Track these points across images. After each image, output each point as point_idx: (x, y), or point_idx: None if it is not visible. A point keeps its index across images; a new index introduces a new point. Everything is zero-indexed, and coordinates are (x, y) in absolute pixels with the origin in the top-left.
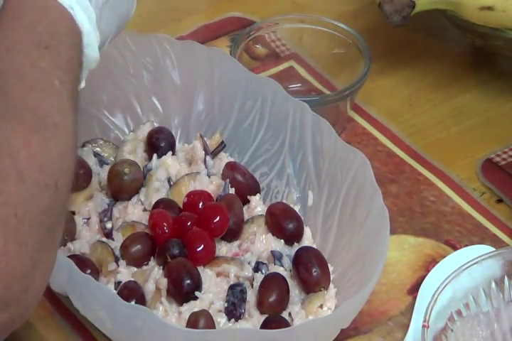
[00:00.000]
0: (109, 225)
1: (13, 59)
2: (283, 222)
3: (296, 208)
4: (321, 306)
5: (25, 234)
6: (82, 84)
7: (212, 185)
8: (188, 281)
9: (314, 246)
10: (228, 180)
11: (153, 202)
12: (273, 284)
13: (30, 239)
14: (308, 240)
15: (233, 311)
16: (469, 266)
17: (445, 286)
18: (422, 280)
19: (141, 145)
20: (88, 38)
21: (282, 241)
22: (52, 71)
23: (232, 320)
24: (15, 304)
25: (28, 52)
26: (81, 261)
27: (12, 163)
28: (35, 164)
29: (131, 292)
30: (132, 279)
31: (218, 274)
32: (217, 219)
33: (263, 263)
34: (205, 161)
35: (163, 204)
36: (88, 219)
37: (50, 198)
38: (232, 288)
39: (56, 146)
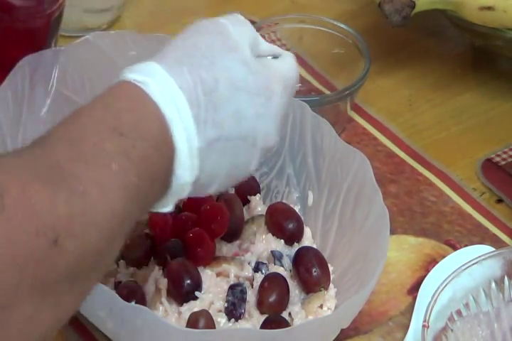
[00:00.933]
0: None
1: (80, 132)
2: (283, 222)
3: (296, 208)
4: (321, 306)
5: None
6: (168, 208)
7: None
8: (188, 281)
9: (314, 246)
10: None
11: None
12: (273, 284)
13: (2, 276)
14: (308, 240)
15: (233, 311)
16: (469, 266)
17: (445, 286)
18: (422, 280)
19: None
20: (181, 159)
21: (282, 241)
22: (115, 155)
23: (232, 320)
24: None
25: (98, 130)
26: None
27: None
28: (27, 207)
29: (131, 292)
30: (132, 279)
31: (218, 274)
32: (217, 219)
33: (263, 263)
34: None
35: None
36: None
37: (43, 249)
38: (232, 288)
39: (68, 207)
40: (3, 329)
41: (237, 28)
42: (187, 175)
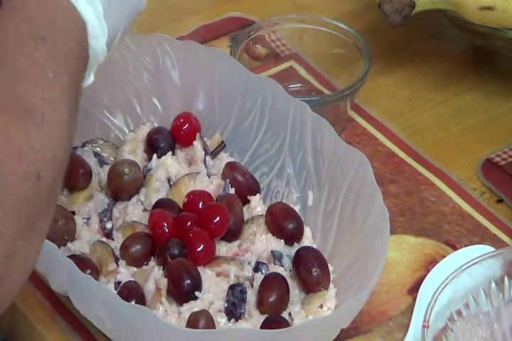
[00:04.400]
0: (109, 225)
1: (7, 49)
2: (283, 222)
3: (296, 208)
4: (321, 306)
5: None
6: (91, 78)
7: (212, 185)
8: (188, 281)
9: (314, 246)
10: (228, 180)
11: (153, 202)
12: (273, 284)
13: (5, 228)
14: (308, 240)
15: (233, 311)
16: (469, 266)
17: (445, 286)
18: (422, 280)
19: (141, 146)
20: (93, 30)
21: (282, 241)
22: (47, 62)
23: (232, 320)
24: None
25: (23, 42)
26: (81, 261)
27: None
28: (12, 152)
29: (131, 292)
30: (132, 279)
31: (218, 274)
32: (217, 219)
33: (263, 263)
34: (205, 161)
35: (163, 204)
36: (88, 219)
37: (30, 188)
38: (232, 288)
39: (40, 137)
40: (6, 275)
41: None
42: (101, 41)
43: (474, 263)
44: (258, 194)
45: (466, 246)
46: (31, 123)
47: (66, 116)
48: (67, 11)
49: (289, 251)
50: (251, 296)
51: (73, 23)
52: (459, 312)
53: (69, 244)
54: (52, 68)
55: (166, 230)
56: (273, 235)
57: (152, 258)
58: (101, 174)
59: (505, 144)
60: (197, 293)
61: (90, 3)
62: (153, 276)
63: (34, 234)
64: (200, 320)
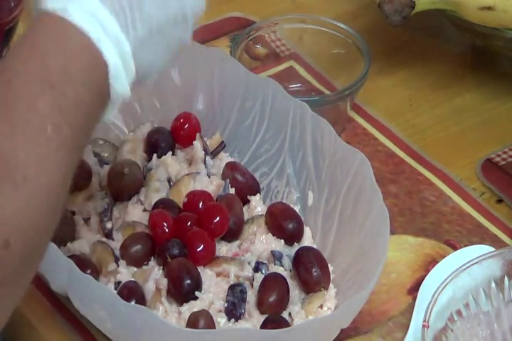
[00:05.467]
0: (109, 225)
1: (9, 95)
2: (283, 222)
3: (296, 208)
4: (321, 306)
5: None
6: (111, 117)
7: (212, 185)
8: (188, 281)
9: (314, 246)
10: (228, 180)
11: (153, 202)
12: (273, 284)
13: None
14: (308, 240)
15: (233, 311)
16: (469, 266)
17: (445, 286)
18: (422, 280)
19: (141, 146)
20: (116, 71)
21: (282, 241)
22: (48, 114)
23: (232, 320)
24: None
25: (29, 89)
26: (81, 261)
27: None
28: None
29: (131, 292)
30: (132, 279)
31: (218, 274)
32: (217, 219)
33: (263, 263)
34: (205, 161)
35: (163, 204)
36: (88, 219)
37: None
38: (232, 288)
39: (15, 202)
40: None
41: None
42: (124, 82)
43: (474, 263)
44: (258, 194)
45: (466, 246)
46: (8, 187)
47: (56, 177)
48: (87, 51)
49: (289, 251)
50: (251, 296)
51: (92, 65)
52: (459, 312)
53: (69, 244)
54: (53, 120)
55: (166, 230)
56: (273, 235)
57: (152, 258)
58: (101, 174)
59: (505, 144)
60: (197, 293)
61: (115, 42)
62: (153, 276)
63: (4, 297)
64: (200, 320)
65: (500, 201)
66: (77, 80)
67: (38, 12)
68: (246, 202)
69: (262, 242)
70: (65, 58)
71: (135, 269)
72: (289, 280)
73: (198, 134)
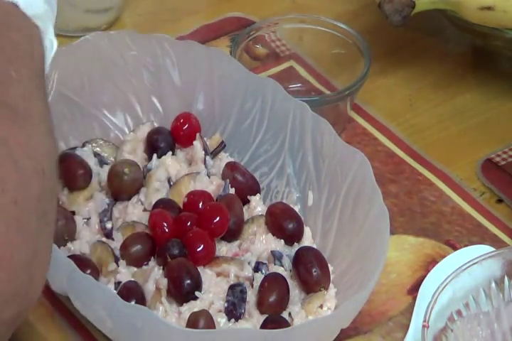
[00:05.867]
0: (109, 225)
1: None
2: (283, 222)
3: (296, 208)
4: (321, 306)
5: (25, 222)
6: (48, 62)
7: (212, 185)
8: (188, 281)
9: (314, 246)
10: (228, 180)
11: (153, 202)
12: (273, 284)
13: (30, 227)
14: (308, 240)
15: (233, 311)
16: (469, 266)
17: (445, 286)
18: (422, 280)
19: (141, 146)
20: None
21: (282, 241)
22: (5, 64)
23: (232, 320)
24: (22, 295)
25: None
26: (81, 261)
27: (5, 151)
28: (24, 152)
29: (131, 292)
30: (132, 279)
31: (218, 274)
32: (217, 219)
33: (263, 263)
34: (205, 161)
35: (163, 204)
36: (88, 219)
37: (41, 184)
38: (232, 288)
39: (35, 134)
40: (33, 275)
41: None
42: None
43: (474, 263)
44: (258, 194)
45: (466, 246)
46: (23, 122)
47: (44, 107)
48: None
49: (289, 251)
50: (251, 296)
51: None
52: (459, 312)
53: (69, 244)
54: (12, 68)
55: (166, 230)
56: (273, 235)
57: (152, 258)
58: (101, 174)
59: (505, 144)
60: (197, 293)
61: None
62: (153, 276)
63: (48, 231)
64: (200, 320)
65: (500, 201)
66: (11, 26)
67: None
68: (246, 202)
69: (262, 242)
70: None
71: (135, 269)
72: (289, 280)
73: (198, 134)
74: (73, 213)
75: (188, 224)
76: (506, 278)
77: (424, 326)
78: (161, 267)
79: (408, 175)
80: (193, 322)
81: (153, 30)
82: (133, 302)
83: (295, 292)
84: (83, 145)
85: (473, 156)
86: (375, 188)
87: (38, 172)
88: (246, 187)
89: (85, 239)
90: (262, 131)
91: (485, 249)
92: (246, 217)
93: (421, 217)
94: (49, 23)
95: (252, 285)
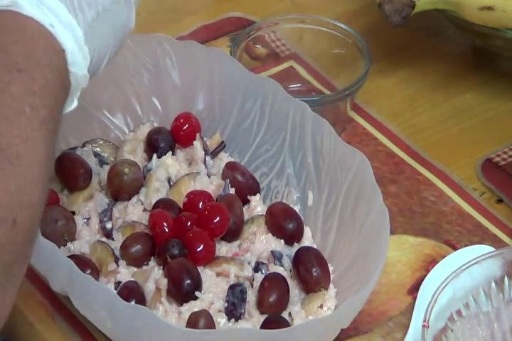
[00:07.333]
0: (109, 225)
1: None
2: (283, 222)
3: (296, 208)
4: (321, 306)
5: None
6: (75, 103)
7: (212, 185)
8: (188, 281)
9: (314, 246)
10: (228, 180)
11: (153, 202)
12: (273, 284)
13: None
14: (308, 240)
15: (233, 311)
16: (469, 266)
17: (445, 286)
18: (422, 280)
19: (141, 145)
20: (73, 57)
21: (282, 241)
22: (23, 96)
23: (232, 320)
24: None
25: None
26: (81, 261)
27: None
28: None
29: (131, 292)
30: (132, 279)
31: (218, 274)
32: (217, 219)
33: (263, 263)
34: (205, 161)
35: (163, 204)
36: (88, 219)
37: (6, 234)
38: (232, 288)
39: (15, 179)
40: None
41: None
42: (82, 67)
43: (474, 263)
44: (258, 194)
45: (466, 246)
46: (6, 164)
47: (44, 154)
48: (43, 39)
49: (289, 251)
50: (251, 296)
51: (51, 51)
52: (459, 312)
53: (69, 244)
54: (29, 102)
55: (166, 230)
56: (273, 235)
57: (152, 258)
58: (101, 174)
59: (505, 144)
60: (197, 293)
61: (69, 28)
62: (153, 276)
63: (9, 282)
64: (200, 320)
65: (500, 201)
66: (41, 63)
67: None
68: (246, 202)
69: (262, 242)
70: (25, 45)
71: (135, 269)
72: (289, 280)
73: (198, 134)
74: (73, 213)
75: (188, 224)
76: (506, 278)
77: (424, 326)
78: (161, 267)
79: (408, 175)
80: (193, 322)
81: (153, 30)
82: (133, 302)
83: (295, 292)
84: (83, 146)
85: (473, 156)
86: (375, 188)
87: (3, 221)
88: (246, 187)
89: (85, 239)
90: (262, 131)
91: (485, 248)
92: (246, 217)
93: (421, 217)
94: (80, 84)
95: (252, 285)
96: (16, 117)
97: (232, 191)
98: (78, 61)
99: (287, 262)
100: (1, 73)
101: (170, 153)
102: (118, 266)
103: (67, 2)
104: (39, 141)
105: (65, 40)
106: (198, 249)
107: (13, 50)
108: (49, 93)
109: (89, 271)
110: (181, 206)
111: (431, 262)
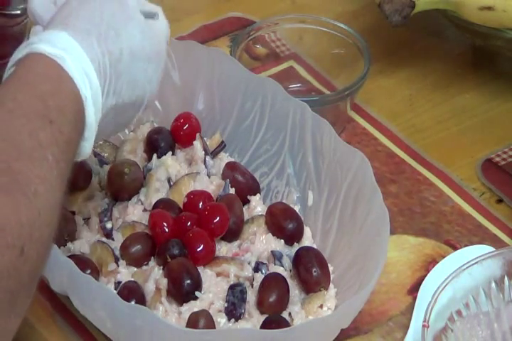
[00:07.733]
0: (109, 225)
1: (12, 122)
2: (283, 222)
3: (296, 208)
4: (321, 306)
5: None
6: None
7: (212, 185)
8: (188, 281)
9: (314, 246)
10: (228, 180)
11: (153, 202)
12: (273, 284)
13: None
14: (308, 240)
15: (233, 311)
16: (469, 266)
17: (445, 286)
18: (422, 280)
19: (141, 146)
20: (89, 132)
21: (282, 241)
22: (49, 145)
23: (232, 320)
24: None
25: (31, 119)
26: (81, 261)
27: None
28: (2, 224)
29: (131, 292)
30: (132, 279)
31: (218, 274)
32: (217, 219)
33: (263, 263)
34: (205, 161)
35: (163, 204)
36: (88, 219)
37: (13, 261)
38: (232, 288)
39: (29, 213)
40: None
41: None
42: (91, 142)
43: (474, 263)
44: (258, 194)
45: (466, 246)
46: (22, 198)
47: (58, 200)
48: (75, 102)
49: (289, 251)
50: (251, 296)
51: (78, 117)
52: (459, 312)
53: (69, 244)
54: (52, 152)
55: (166, 230)
56: (273, 235)
57: (152, 258)
58: (101, 174)
59: (505, 144)
60: (197, 293)
61: (95, 106)
62: (153, 276)
63: (13, 311)
64: (200, 320)
65: (500, 201)
66: (70, 121)
67: (29, 51)
68: (246, 202)
69: (262, 242)
70: (60, 100)
71: (135, 269)
72: (289, 280)
73: (198, 134)
74: (73, 213)
75: (188, 224)
76: (506, 278)
77: (424, 326)
78: (161, 267)
79: (408, 175)
80: (193, 322)
81: None
82: (133, 302)
83: (295, 292)
84: None
85: (473, 156)
86: (375, 188)
87: (10, 247)
88: (246, 187)
89: (85, 239)
90: (262, 131)
91: (485, 248)
92: (246, 217)
93: (421, 217)
94: (94, 134)
95: (252, 285)
96: (39, 161)
97: (232, 191)
98: (90, 137)
99: (287, 262)
100: (35, 119)
101: (170, 153)
102: (118, 266)
103: (101, 82)
104: (57, 187)
105: (89, 115)
106: (198, 249)
107: (50, 102)
108: (70, 147)
109: (89, 271)
110: (181, 206)
111: (431, 262)
